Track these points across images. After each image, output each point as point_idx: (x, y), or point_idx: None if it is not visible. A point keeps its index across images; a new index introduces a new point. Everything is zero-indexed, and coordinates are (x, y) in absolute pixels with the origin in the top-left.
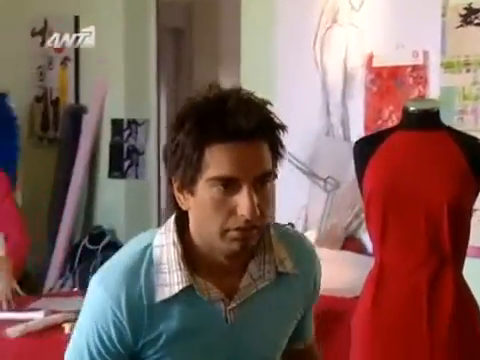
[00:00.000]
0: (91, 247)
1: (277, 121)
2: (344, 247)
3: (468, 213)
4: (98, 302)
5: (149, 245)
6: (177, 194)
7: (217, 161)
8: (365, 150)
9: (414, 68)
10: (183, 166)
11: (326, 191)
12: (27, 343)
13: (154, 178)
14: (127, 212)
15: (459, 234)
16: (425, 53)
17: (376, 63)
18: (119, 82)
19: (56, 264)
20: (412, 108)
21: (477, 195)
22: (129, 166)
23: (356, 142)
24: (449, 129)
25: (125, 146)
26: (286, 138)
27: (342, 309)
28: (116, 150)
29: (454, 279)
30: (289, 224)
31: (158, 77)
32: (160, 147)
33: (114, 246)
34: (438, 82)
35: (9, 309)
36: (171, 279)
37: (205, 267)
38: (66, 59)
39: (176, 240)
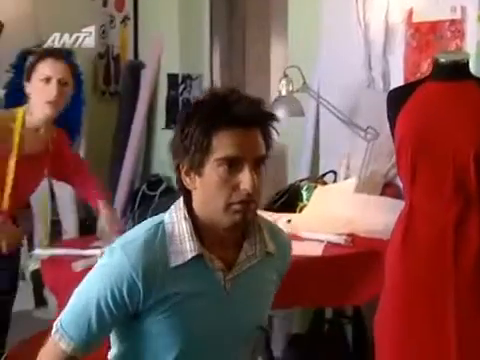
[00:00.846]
0: (149, 193)
1: (271, 113)
2: (383, 193)
3: None
4: (117, 264)
5: (162, 222)
6: (184, 177)
7: (223, 144)
8: (397, 100)
9: (452, 22)
10: (192, 151)
11: (366, 140)
12: None
13: None
14: None
15: None
16: (463, 8)
17: (416, 18)
18: (174, 39)
19: (118, 208)
20: (442, 60)
21: None
22: None
23: (389, 92)
24: (477, 79)
25: (180, 99)
26: (331, 91)
27: (380, 249)
28: (172, 103)
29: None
30: (332, 171)
31: (211, 34)
32: None
33: (170, 192)
34: (475, 36)
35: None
36: (184, 248)
37: (208, 241)
38: (126, 18)
39: (187, 215)
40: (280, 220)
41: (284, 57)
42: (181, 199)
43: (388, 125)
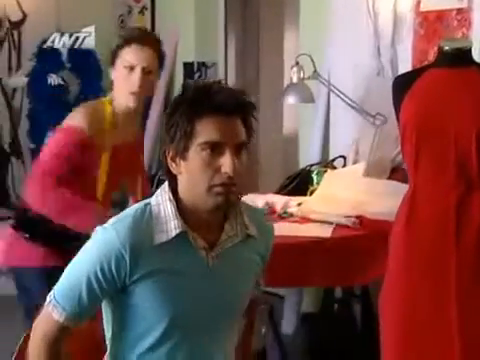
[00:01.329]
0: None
1: (250, 102)
2: (390, 177)
3: None
4: (107, 241)
5: (149, 203)
6: (170, 162)
7: (206, 129)
8: (402, 86)
9: (459, 11)
10: (178, 138)
11: (375, 126)
12: None
13: None
14: None
15: None
16: None
17: (423, 7)
18: (190, 29)
19: None
20: (446, 47)
21: None
22: None
23: (395, 78)
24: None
25: None
26: (341, 79)
27: (387, 231)
28: None
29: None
30: (341, 156)
31: (226, 23)
32: None
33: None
34: None
35: None
36: (168, 226)
37: (191, 222)
38: (144, 8)
39: (171, 197)
40: (291, 203)
41: (296, 45)
42: (166, 183)
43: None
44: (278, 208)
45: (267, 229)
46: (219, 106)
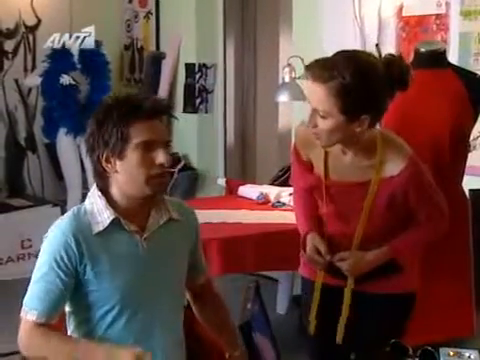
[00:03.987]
0: (168, 170)
1: (170, 107)
2: None
3: (467, 135)
4: (55, 239)
5: (82, 205)
6: (105, 164)
7: (140, 131)
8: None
9: (437, 16)
10: (113, 141)
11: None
12: None
13: (220, 112)
14: (198, 140)
15: (459, 153)
16: (447, 3)
17: (405, 13)
18: (191, 32)
19: None
20: (422, 49)
21: (475, 121)
22: (200, 103)
23: None
24: (453, 66)
25: (197, 86)
26: None
27: None
28: (189, 89)
29: (452, 191)
30: None
31: (225, 27)
32: (226, 87)
33: (188, 169)
34: (457, 28)
35: None
36: (102, 218)
37: (121, 211)
38: (149, 13)
39: (100, 194)
40: (283, 193)
41: (290, 47)
42: (94, 186)
43: None
44: (272, 198)
45: (188, 213)
46: (147, 111)
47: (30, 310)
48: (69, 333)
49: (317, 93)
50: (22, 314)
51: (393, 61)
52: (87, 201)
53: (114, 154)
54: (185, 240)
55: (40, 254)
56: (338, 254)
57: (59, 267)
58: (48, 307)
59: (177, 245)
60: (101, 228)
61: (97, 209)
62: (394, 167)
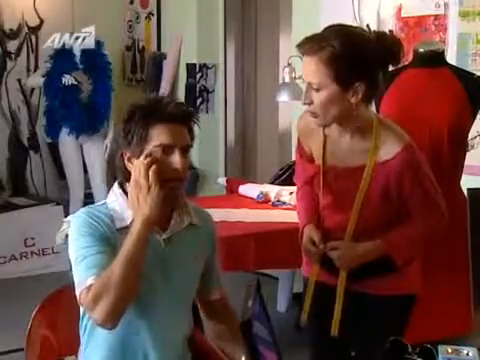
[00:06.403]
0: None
1: (193, 112)
2: None
3: (465, 133)
4: (79, 219)
5: (104, 202)
6: (127, 163)
7: (159, 134)
8: (383, 82)
9: (436, 17)
10: (135, 142)
11: None
12: None
13: (221, 112)
14: (199, 139)
15: (457, 151)
16: (446, 4)
17: (404, 13)
18: (193, 33)
19: None
20: (421, 49)
21: (474, 119)
22: (201, 102)
23: None
24: (451, 66)
25: (197, 86)
26: None
27: None
28: (190, 89)
29: (450, 190)
30: None
31: (225, 27)
32: (227, 87)
33: (189, 168)
34: (456, 29)
35: None
36: (125, 215)
37: None
38: (150, 14)
39: (122, 192)
40: (283, 192)
41: (290, 47)
42: (116, 183)
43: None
44: (272, 197)
45: (208, 221)
46: (169, 115)
47: (86, 279)
48: (81, 334)
49: (309, 65)
50: (78, 291)
51: (384, 34)
52: (108, 199)
53: (135, 154)
54: (203, 247)
55: (70, 241)
56: (329, 243)
57: (93, 235)
58: (102, 266)
59: (195, 251)
60: (124, 225)
61: (120, 206)
62: (389, 150)
